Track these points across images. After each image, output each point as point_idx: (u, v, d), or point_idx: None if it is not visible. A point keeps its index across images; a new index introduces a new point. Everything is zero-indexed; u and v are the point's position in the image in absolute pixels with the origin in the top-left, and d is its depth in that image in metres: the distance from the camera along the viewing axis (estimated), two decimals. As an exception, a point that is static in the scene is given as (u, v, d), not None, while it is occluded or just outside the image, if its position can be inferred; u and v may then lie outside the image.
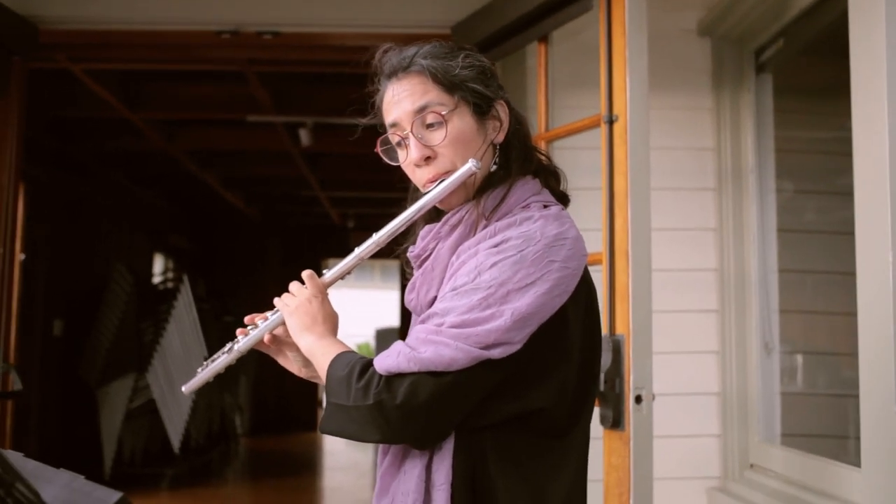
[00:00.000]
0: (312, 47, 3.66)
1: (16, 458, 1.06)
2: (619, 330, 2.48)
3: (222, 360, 1.63)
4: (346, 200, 10.11)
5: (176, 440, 7.02)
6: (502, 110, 1.52)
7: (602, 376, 2.47)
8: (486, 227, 1.42)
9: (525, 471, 1.36)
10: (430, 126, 1.45)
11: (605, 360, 2.49)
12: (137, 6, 3.53)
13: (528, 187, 1.49)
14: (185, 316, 6.98)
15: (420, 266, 1.51)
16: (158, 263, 10.17)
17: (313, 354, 1.47)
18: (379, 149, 1.53)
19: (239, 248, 11.54)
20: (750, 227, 3.33)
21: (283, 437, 10.58)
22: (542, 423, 1.36)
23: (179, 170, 7.92)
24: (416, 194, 1.53)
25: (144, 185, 9.12)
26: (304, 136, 6.11)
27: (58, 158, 6.99)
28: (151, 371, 7.07)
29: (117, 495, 0.94)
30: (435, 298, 1.43)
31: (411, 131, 1.46)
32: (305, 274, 1.55)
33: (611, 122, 2.57)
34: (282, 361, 1.67)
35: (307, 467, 9.12)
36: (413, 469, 1.37)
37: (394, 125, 1.49)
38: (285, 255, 11.71)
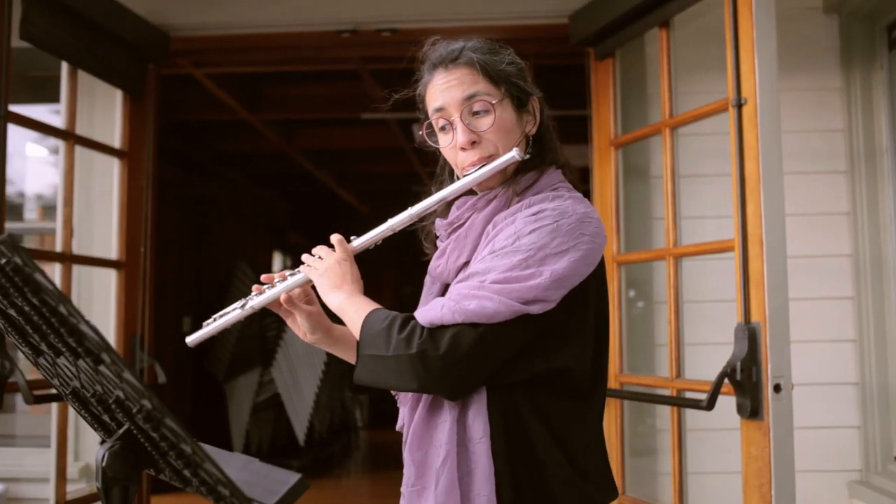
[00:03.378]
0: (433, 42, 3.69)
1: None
2: (755, 318, 2.42)
3: (234, 314, 1.68)
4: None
5: (301, 433, 7.21)
6: (536, 105, 1.64)
7: (738, 365, 2.42)
8: (519, 201, 1.53)
9: (553, 426, 1.46)
10: (476, 113, 1.56)
11: (740, 348, 2.44)
12: (261, 11, 3.64)
13: (555, 175, 1.60)
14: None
15: (451, 234, 1.61)
16: (277, 261, 10.45)
17: (344, 311, 1.56)
18: (423, 132, 1.63)
19: (353, 245, 11.71)
20: (886, 210, 3.20)
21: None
22: (567, 383, 1.48)
23: (296, 168, 8.11)
24: (442, 179, 1.70)
25: (263, 184, 9.38)
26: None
27: (180, 160, 7.25)
28: (276, 366, 7.28)
29: (296, 476, 0.98)
30: (465, 264, 1.54)
31: (459, 117, 1.55)
32: (335, 238, 1.65)
33: (739, 105, 2.51)
34: (290, 324, 1.75)
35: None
36: (444, 423, 1.46)
37: (440, 110, 1.58)
38: (394, 249, 11.83)
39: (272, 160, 8.34)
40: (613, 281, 3.18)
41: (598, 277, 1.51)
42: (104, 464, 1.18)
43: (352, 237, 1.65)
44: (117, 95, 3.56)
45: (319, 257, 1.64)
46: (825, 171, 3.32)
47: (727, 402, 2.52)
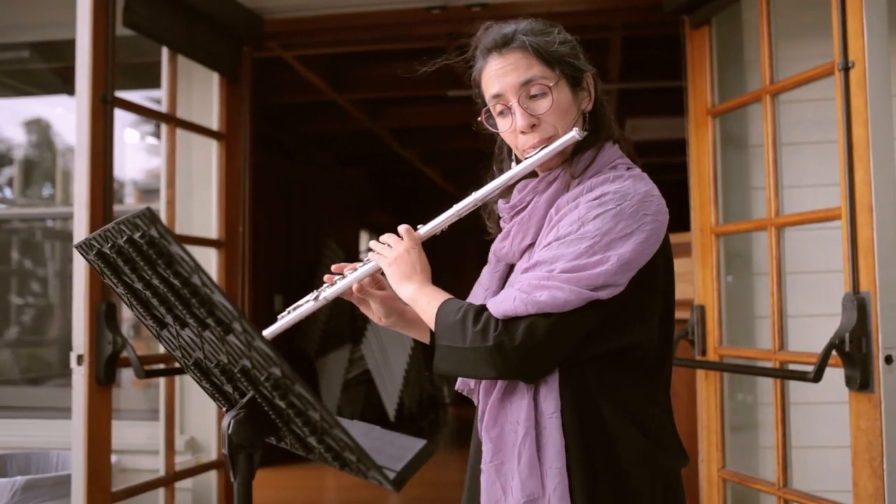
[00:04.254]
0: (518, 17, 3.67)
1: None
2: (864, 287, 2.35)
3: (307, 307, 1.69)
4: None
5: (391, 408, 7.31)
6: (590, 82, 1.64)
7: (847, 336, 2.36)
8: (579, 183, 1.55)
9: (624, 401, 1.50)
10: (534, 97, 1.57)
11: (849, 319, 2.38)
12: (352, -11, 3.67)
13: (613, 151, 1.61)
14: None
15: (514, 217, 1.64)
16: (364, 240, 10.57)
17: (416, 301, 1.60)
18: (483, 118, 1.65)
19: (438, 223, 11.78)
20: None
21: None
22: (635, 359, 1.51)
23: (382, 148, 8.17)
24: (501, 160, 1.73)
25: (349, 164, 9.48)
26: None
27: (269, 142, 7.38)
28: (365, 343, 7.38)
29: (421, 442, 1.00)
30: (529, 246, 1.59)
31: (517, 102, 1.57)
32: (402, 228, 1.67)
33: (846, 69, 2.43)
34: (364, 310, 1.77)
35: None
36: (521, 401, 1.51)
37: (497, 96, 1.60)
38: (480, 227, 11.83)
39: (358, 140, 8.40)
40: (712, 252, 3.12)
41: (663, 254, 1.53)
42: (230, 431, 1.22)
43: (418, 226, 1.68)
44: (214, 79, 3.64)
45: (388, 245, 1.66)
46: (934, 135, 3.19)
47: (833, 375, 2.46)
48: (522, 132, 1.59)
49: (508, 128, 1.61)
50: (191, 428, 3.90)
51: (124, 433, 3.68)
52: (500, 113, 1.62)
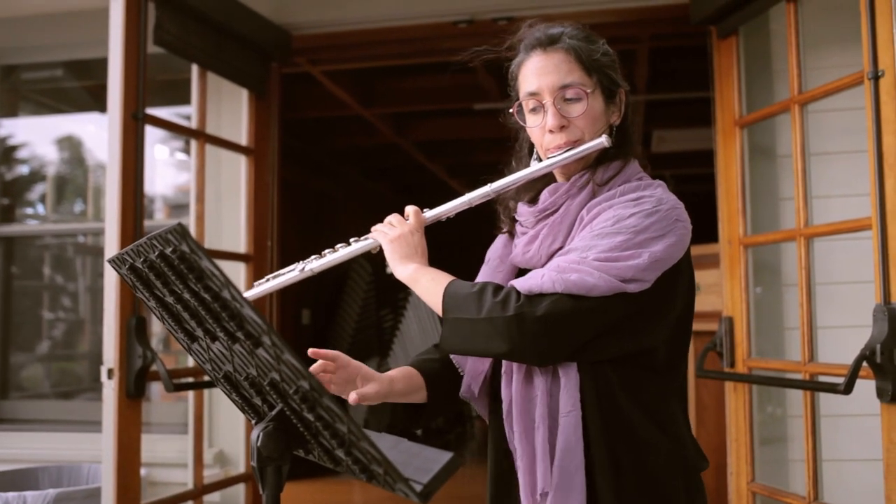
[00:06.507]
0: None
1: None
2: (896, 298, 2.33)
3: (290, 276, 1.68)
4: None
5: (418, 422, 7.31)
6: (623, 98, 1.68)
7: (878, 348, 2.34)
8: (609, 189, 1.58)
9: (645, 401, 1.52)
10: (568, 100, 1.60)
11: (880, 330, 2.35)
12: (378, 5, 3.70)
13: (636, 166, 1.66)
14: (421, 302, 7.24)
15: (541, 220, 1.63)
16: (390, 253, 10.59)
17: (417, 280, 1.60)
18: (514, 111, 1.67)
19: (465, 235, 11.81)
20: None
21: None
22: (651, 360, 1.54)
23: (409, 161, 8.19)
24: (521, 156, 1.74)
25: (375, 178, 9.52)
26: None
27: (297, 157, 7.43)
28: (392, 356, 7.40)
29: (448, 455, 1.00)
30: (559, 249, 1.58)
31: (552, 102, 1.59)
32: (410, 209, 1.69)
33: (876, 77, 2.42)
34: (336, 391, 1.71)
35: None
36: (536, 398, 1.52)
37: (533, 94, 1.62)
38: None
39: (385, 154, 8.44)
40: (740, 263, 3.10)
41: (686, 260, 1.57)
42: (259, 444, 1.23)
43: (425, 210, 1.69)
44: (243, 95, 3.68)
45: (391, 224, 1.67)
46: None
47: (864, 387, 2.43)
48: (551, 131, 1.60)
49: (538, 124, 1.63)
50: (219, 441, 3.93)
51: (155, 446, 3.71)
52: (532, 109, 1.63)
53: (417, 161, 8.04)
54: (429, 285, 1.58)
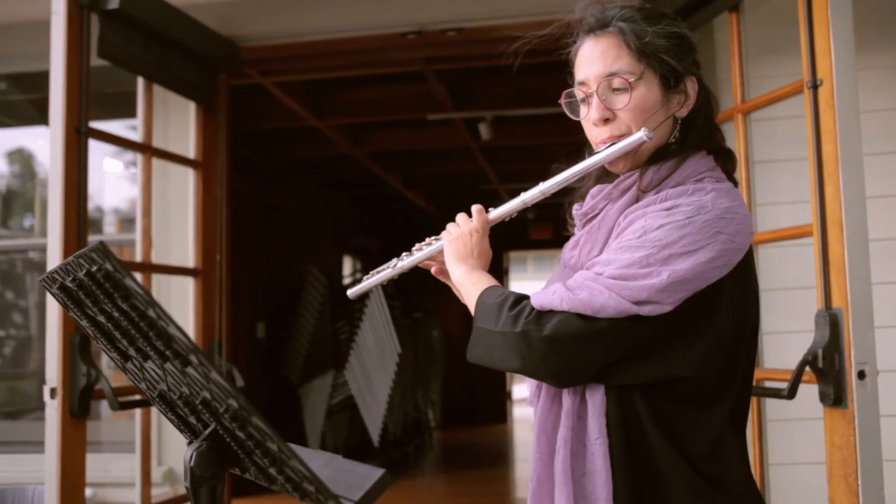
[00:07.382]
0: (494, 41, 3.69)
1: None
2: (836, 303, 2.36)
3: (386, 273, 1.73)
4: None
5: (375, 434, 7.28)
6: (692, 86, 1.51)
7: (820, 352, 2.37)
8: (658, 191, 1.44)
9: (674, 433, 1.37)
10: (615, 90, 1.47)
11: (821, 335, 2.39)
12: (328, 16, 3.69)
13: (703, 162, 1.48)
14: (378, 314, 7.22)
15: (585, 224, 1.55)
16: (347, 265, 10.56)
17: (462, 283, 1.56)
18: (563, 101, 1.58)
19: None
20: (971, 189, 3.10)
21: (472, 429, 10.74)
22: (686, 388, 1.37)
23: (363, 172, 8.18)
24: (581, 154, 1.59)
25: (330, 189, 9.48)
26: (484, 131, 6.17)
27: (249, 168, 7.38)
28: (349, 368, 7.36)
29: (380, 471, 0.99)
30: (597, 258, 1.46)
31: (597, 92, 1.49)
32: (475, 208, 1.64)
33: (815, 87, 2.46)
34: (450, 284, 1.70)
35: (498, 458, 9.21)
36: (560, 418, 1.42)
37: (581, 83, 1.52)
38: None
39: (340, 165, 8.42)
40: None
41: (737, 280, 1.38)
42: (192, 464, 1.21)
43: (489, 209, 1.65)
44: (190, 107, 3.65)
45: (457, 224, 1.64)
46: (905, 151, 3.22)
47: (808, 391, 2.47)
48: (595, 124, 1.51)
49: (585, 116, 1.53)
50: (169, 459, 3.88)
51: (107, 465, 3.65)
52: (583, 100, 1.53)
53: (373, 172, 8.03)
54: (469, 290, 1.53)
